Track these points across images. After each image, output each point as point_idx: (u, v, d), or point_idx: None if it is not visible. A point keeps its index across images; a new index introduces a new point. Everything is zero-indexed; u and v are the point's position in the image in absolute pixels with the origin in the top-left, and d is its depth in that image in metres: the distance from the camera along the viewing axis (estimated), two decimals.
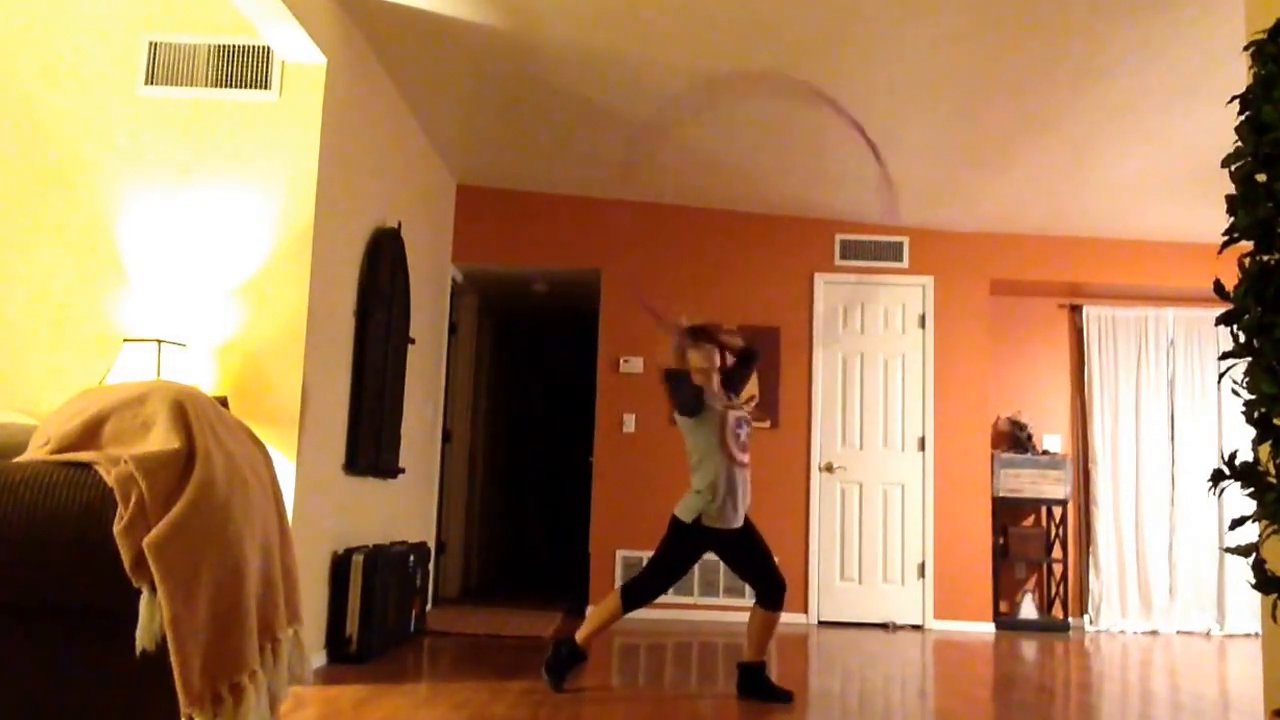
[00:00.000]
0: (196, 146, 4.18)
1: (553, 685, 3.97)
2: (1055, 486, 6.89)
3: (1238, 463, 2.10)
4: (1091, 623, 6.98)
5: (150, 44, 4.23)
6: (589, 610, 6.56)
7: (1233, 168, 2.16)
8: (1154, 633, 6.91)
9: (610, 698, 3.93)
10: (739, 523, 4.05)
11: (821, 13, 4.21)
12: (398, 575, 4.94)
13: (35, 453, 2.04)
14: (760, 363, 4.67)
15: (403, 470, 5.51)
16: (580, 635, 4.06)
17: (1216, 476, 2.12)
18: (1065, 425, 7.27)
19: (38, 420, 2.79)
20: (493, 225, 6.87)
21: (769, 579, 4.05)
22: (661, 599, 6.51)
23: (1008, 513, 7.08)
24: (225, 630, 1.92)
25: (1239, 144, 2.16)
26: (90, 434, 2.02)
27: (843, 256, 6.94)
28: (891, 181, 4.62)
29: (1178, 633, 6.92)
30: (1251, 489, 2.09)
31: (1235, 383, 2.15)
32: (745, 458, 4.06)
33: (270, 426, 3.96)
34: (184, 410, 2.02)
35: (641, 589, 4.02)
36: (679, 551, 4.02)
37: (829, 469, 6.78)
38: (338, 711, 3.48)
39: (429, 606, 5.96)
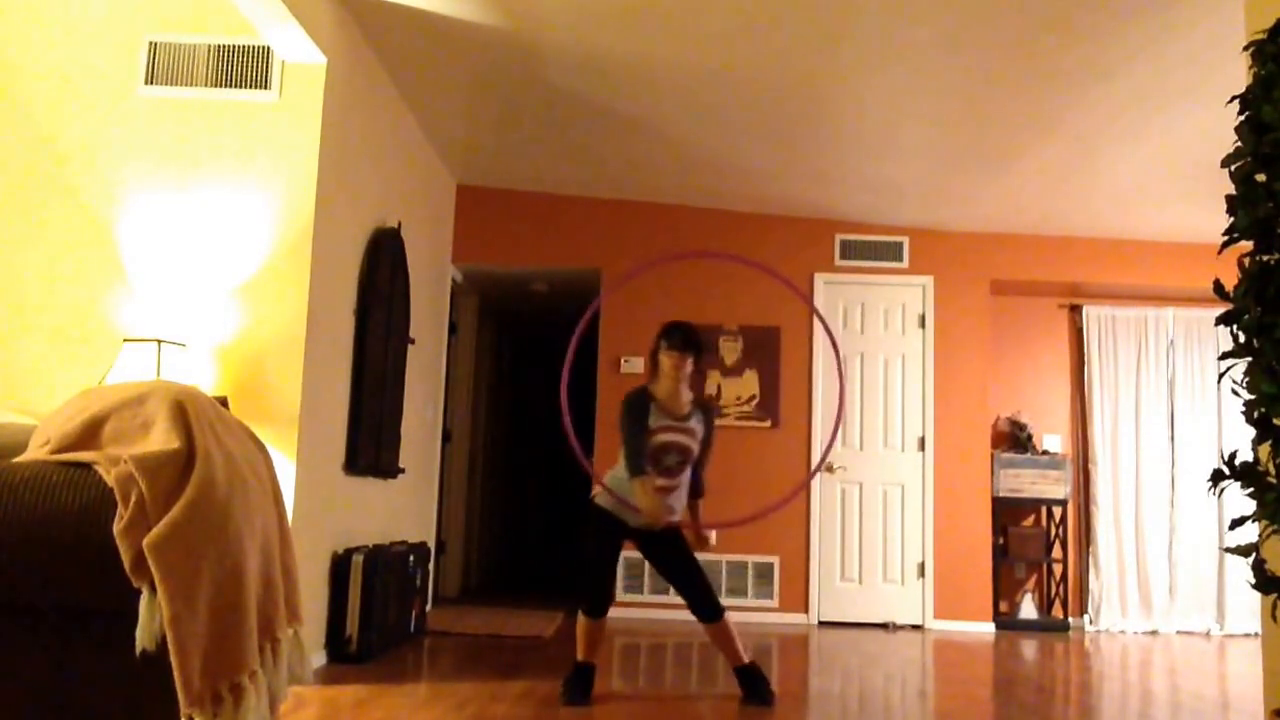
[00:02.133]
0: (196, 146, 4.18)
1: (570, 700, 3.80)
2: (1055, 486, 6.89)
3: (1238, 463, 2.10)
4: (1091, 623, 6.98)
5: (150, 44, 4.23)
6: None
7: (1233, 168, 2.16)
8: (1154, 633, 6.90)
9: (610, 698, 3.93)
10: (634, 523, 3.87)
11: (821, 12, 4.21)
12: (398, 575, 4.94)
13: (35, 453, 2.04)
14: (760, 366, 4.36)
15: (403, 470, 5.51)
16: (578, 655, 3.92)
17: (1216, 476, 2.12)
18: (1065, 425, 7.27)
19: (38, 420, 2.79)
20: (493, 225, 6.87)
21: (685, 593, 3.90)
22: (662, 599, 6.54)
23: (1008, 513, 7.07)
24: (225, 630, 1.91)
25: (1239, 144, 2.16)
26: (90, 434, 2.02)
27: (843, 256, 6.94)
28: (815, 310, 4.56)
29: (1178, 633, 6.92)
30: (1251, 489, 2.08)
31: (1235, 383, 2.15)
32: (664, 482, 3.82)
33: (270, 426, 3.96)
34: (184, 410, 2.02)
35: (586, 590, 3.91)
36: (588, 524, 3.92)
37: (829, 469, 6.78)
38: (338, 711, 3.48)
39: (429, 606, 5.96)
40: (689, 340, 3.84)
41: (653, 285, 6.83)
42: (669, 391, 3.86)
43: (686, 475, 3.90)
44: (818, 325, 6.86)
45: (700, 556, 3.98)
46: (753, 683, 3.91)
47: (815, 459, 6.76)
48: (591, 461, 6.80)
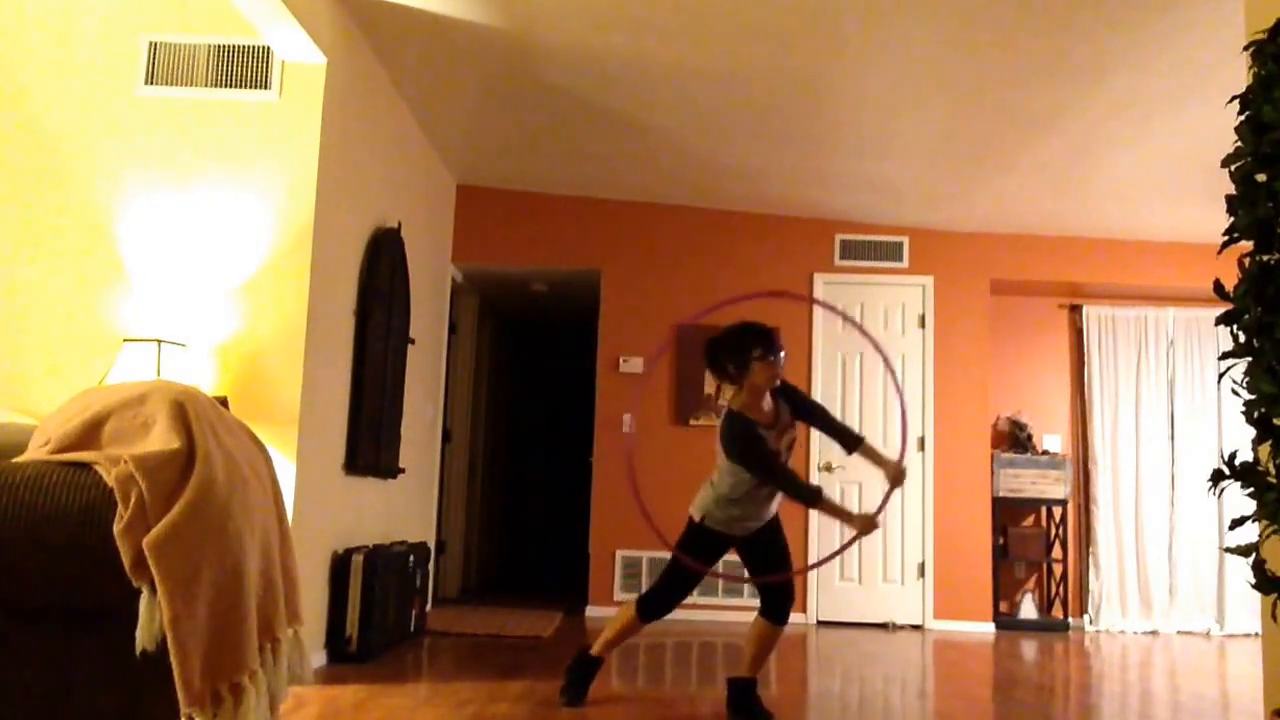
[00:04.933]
0: (196, 146, 4.18)
1: (568, 701, 3.72)
2: (1055, 486, 6.89)
3: (1238, 463, 2.10)
4: (1091, 623, 6.98)
5: (150, 44, 4.23)
6: (588, 609, 6.57)
7: (1233, 168, 2.16)
8: (1154, 633, 6.90)
9: (610, 698, 3.93)
10: (745, 532, 3.68)
11: (821, 12, 4.21)
12: (398, 575, 4.94)
13: (35, 453, 2.04)
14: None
15: (403, 470, 5.51)
16: (595, 647, 3.80)
17: (1216, 476, 2.12)
18: (1065, 425, 7.27)
19: (38, 420, 2.79)
20: (493, 225, 6.87)
21: (771, 586, 3.67)
22: None
23: (1008, 513, 7.07)
24: (225, 630, 1.91)
25: (1239, 144, 2.16)
26: (90, 434, 2.02)
27: (843, 256, 6.94)
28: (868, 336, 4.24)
29: (1178, 633, 6.92)
30: (1251, 489, 2.08)
31: (1235, 383, 2.15)
32: (768, 490, 3.66)
33: (270, 426, 3.96)
34: (184, 410, 2.02)
35: (654, 594, 3.71)
36: (686, 549, 3.66)
37: (829, 469, 6.78)
38: (338, 711, 3.48)
39: (429, 606, 5.96)
40: (778, 341, 3.60)
41: (653, 285, 6.83)
42: (758, 407, 3.61)
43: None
44: (817, 326, 6.87)
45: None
46: (744, 698, 3.66)
47: (815, 459, 6.76)
48: (591, 459, 6.80)
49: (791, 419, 3.72)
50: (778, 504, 3.74)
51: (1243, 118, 2.17)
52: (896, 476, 3.61)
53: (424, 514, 6.34)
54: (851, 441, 3.70)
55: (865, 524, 3.51)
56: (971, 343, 6.91)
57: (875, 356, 6.90)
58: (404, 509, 5.78)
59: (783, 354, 3.62)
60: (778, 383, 3.65)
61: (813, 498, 3.52)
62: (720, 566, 3.91)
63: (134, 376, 3.70)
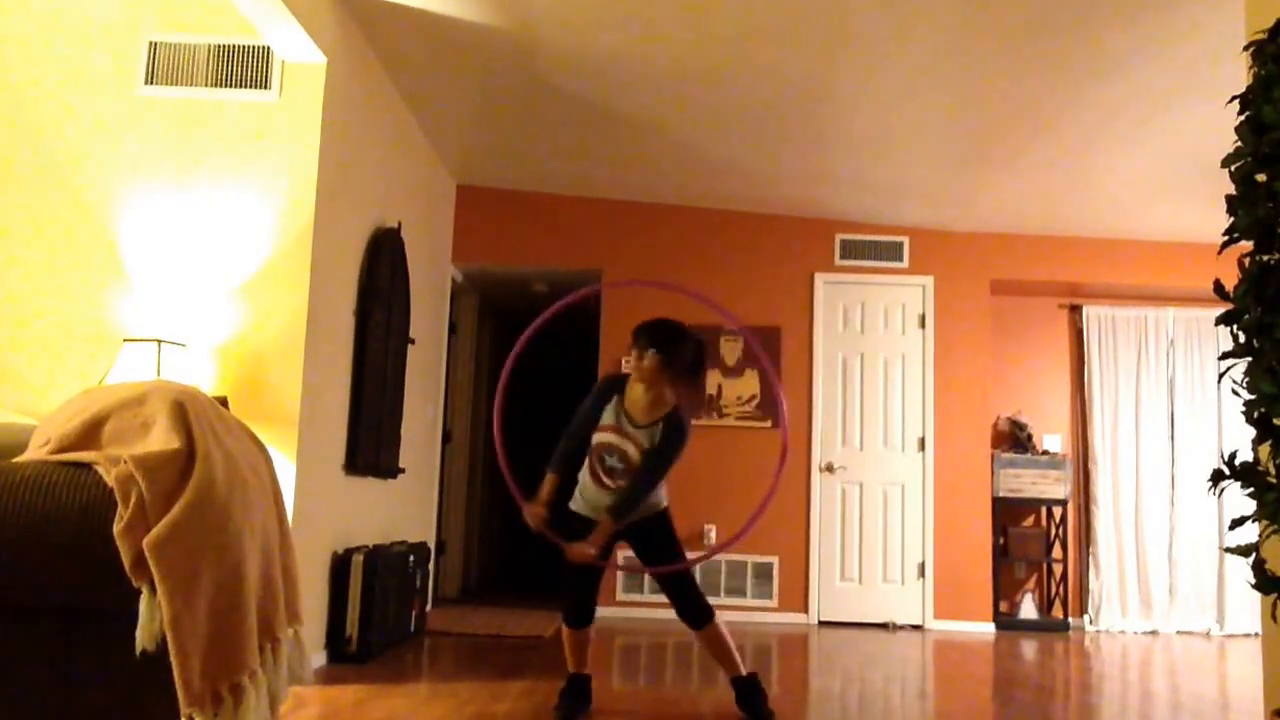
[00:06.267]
0: (196, 146, 4.18)
1: (560, 717, 3.58)
2: (1055, 486, 6.89)
3: (1238, 463, 2.10)
4: (1091, 623, 6.98)
5: (150, 44, 4.23)
6: None
7: (1233, 168, 2.15)
8: (1154, 633, 6.90)
9: (610, 698, 3.93)
10: (596, 515, 3.60)
11: (821, 14, 4.21)
12: (398, 575, 4.94)
13: (35, 453, 2.04)
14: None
15: (403, 470, 5.51)
16: (569, 666, 3.72)
17: (1216, 476, 2.12)
18: (1065, 425, 7.27)
19: (38, 420, 2.79)
20: (493, 225, 6.87)
21: (670, 596, 3.65)
22: (662, 599, 6.52)
23: (1008, 513, 7.07)
24: (225, 630, 1.91)
25: (1239, 144, 2.16)
26: (90, 434, 2.02)
27: (843, 256, 6.94)
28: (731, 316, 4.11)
29: (1178, 633, 6.92)
30: (1251, 489, 2.08)
31: (1235, 383, 2.14)
32: (608, 481, 3.58)
33: (270, 426, 3.96)
34: (184, 410, 2.02)
35: (565, 600, 3.68)
36: (567, 537, 3.64)
37: (829, 469, 6.78)
38: (338, 711, 3.48)
39: (429, 606, 5.96)
40: (647, 334, 3.53)
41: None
42: (637, 394, 3.56)
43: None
44: (817, 327, 6.87)
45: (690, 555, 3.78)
46: (749, 697, 3.63)
47: (816, 459, 6.76)
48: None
49: (643, 444, 3.54)
50: (622, 496, 3.53)
51: (1243, 118, 2.17)
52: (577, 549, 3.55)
53: (424, 514, 6.34)
54: (621, 510, 3.53)
55: (529, 517, 3.60)
56: (971, 343, 6.91)
57: (875, 357, 6.90)
58: (404, 509, 5.78)
59: (650, 352, 3.48)
60: (646, 373, 3.51)
61: (550, 463, 3.66)
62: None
63: (134, 376, 3.70)
